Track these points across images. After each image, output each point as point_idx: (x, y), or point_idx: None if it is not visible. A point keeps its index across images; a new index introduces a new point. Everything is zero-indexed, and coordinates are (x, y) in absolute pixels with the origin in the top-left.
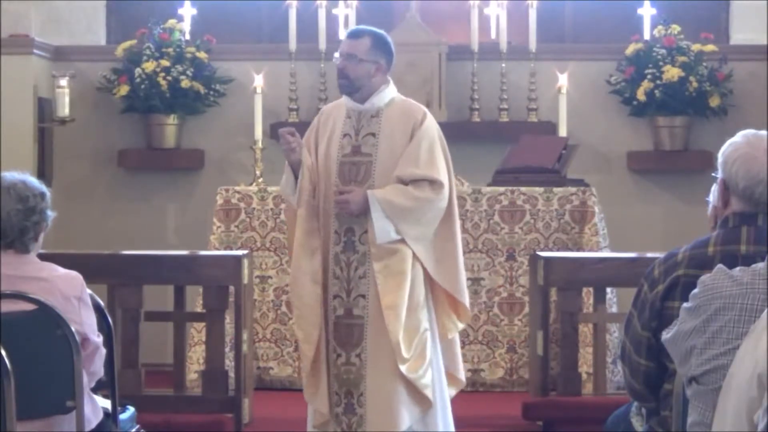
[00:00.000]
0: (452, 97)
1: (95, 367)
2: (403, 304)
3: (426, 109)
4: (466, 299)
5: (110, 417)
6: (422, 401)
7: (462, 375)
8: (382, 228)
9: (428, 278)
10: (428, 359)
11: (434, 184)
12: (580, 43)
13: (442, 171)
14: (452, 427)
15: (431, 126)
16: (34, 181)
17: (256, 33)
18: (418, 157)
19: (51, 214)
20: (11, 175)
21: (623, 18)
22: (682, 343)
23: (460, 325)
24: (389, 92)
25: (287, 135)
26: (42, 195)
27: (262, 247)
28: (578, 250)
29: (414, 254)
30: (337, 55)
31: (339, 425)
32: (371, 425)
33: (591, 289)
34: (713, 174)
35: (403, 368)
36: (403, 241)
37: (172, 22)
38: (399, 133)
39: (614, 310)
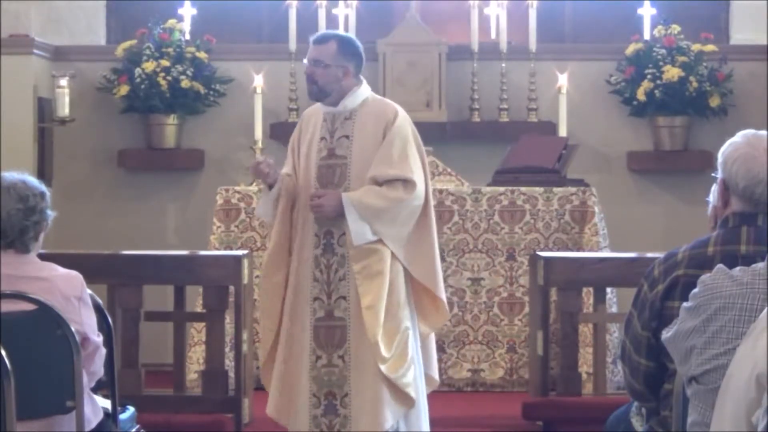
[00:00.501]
0: (452, 97)
1: (95, 367)
2: (382, 304)
3: (399, 108)
4: (443, 295)
5: (110, 417)
6: (405, 400)
7: (436, 374)
8: (357, 230)
9: (409, 277)
10: (410, 358)
11: (407, 183)
12: (580, 43)
13: (415, 170)
14: (427, 427)
15: (403, 124)
16: (34, 180)
17: (256, 33)
18: (391, 157)
19: (51, 213)
20: (11, 175)
21: (623, 18)
22: (682, 343)
23: (439, 323)
24: (362, 93)
25: (258, 168)
26: (42, 195)
27: (262, 247)
28: (578, 250)
29: (393, 254)
30: (305, 60)
31: (317, 427)
32: (357, 425)
33: (591, 289)
34: (713, 174)
35: (383, 368)
36: (380, 241)
37: (172, 22)
38: (372, 133)
39: (614, 310)
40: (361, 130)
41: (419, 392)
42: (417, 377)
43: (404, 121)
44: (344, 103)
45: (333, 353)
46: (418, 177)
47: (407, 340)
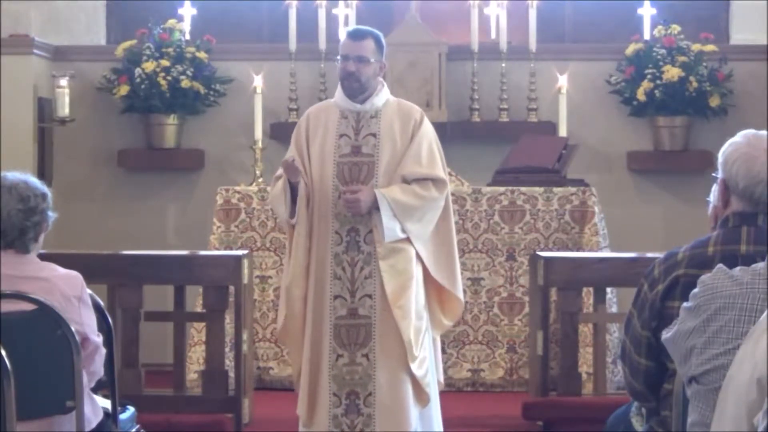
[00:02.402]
0: (452, 97)
1: (95, 366)
2: (412, 303)
3: (421, 110)
4: (461, 295)
5: (110, 417)
6: (422, 398)
7: (441, 377)
8: (390, 226)
9: (423, 279)
10: (429, 358)
11: (437, 182)
12: (580, 43)
13: (443, 170)
14: (441, 427)
15: (429, 126)
16: (36, 181)
17: (256, 33)
18: (421, 157)
19: (52, 215)
20: (13, 175)
21: (623, 18)
22: (682, 343)
23: (447, 323)
24: (385, 93)
25: (294, 164)
26: (43, 196)
27: (262, 247)
28: (578, 250)
29: (416, 254)
30: (338, 57)
31: (337, 427)
32: (382, 425)
33: (591, 289)
34: (713, 174)
35: (413, 366)
36: (406, 240)
37: (172, 22)
38: (399, 133)
39: (614, 310)
40: (387, 129)
41: (433, 392)
42: (431, 377)
43: (428, 123)
44: (372, 101)
45: (356, 352)
46: (446, 177)
47: (427, 339)
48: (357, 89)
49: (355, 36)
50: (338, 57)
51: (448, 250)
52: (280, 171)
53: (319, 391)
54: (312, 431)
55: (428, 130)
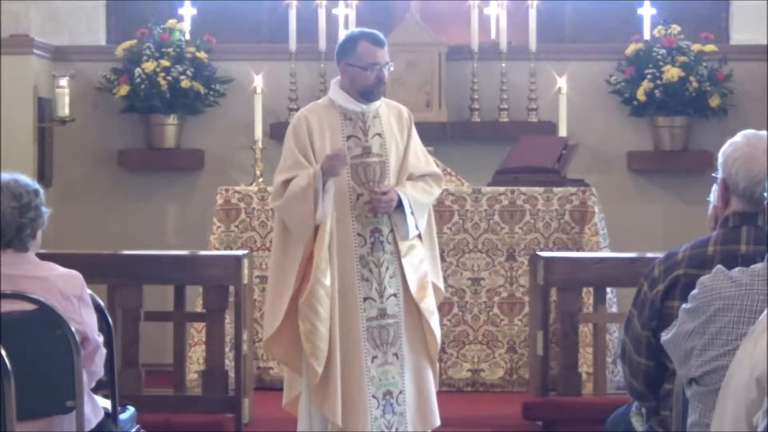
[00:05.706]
0: (452, 97)
1: (95, 366)
2: (432, 296)
3: (406, 107)
4: (443, 284)
5: (110, 417)
6: (436, 383)
7: None
8: (411, 224)
9: None
10: None
11: (436, 177)
12: (580, 43)
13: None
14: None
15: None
16: (26, 179)
17: (256, 33)
18: (418, 154)
19: (46, 211)
20: (2, 175)
21: (623, 18)
22: (682, 345)
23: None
24: None
25: (345, 157)
26: (36, 192)
27: (262, 247)
28: (578, 250)
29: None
30: (365, 63)
31: (378, 428)
32: (414, 422)
33: (591, 289)
34: (713, 174)
35: (435, 355)
36: (417, 236)
37: (172, 22)
38: (398, 131)
39: (614, 310)
40: (389, 128)
41: None
42: None
43: None
44: (375, 102)
45: (388, 351)
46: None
47: None
48: (381, 93)
49: (380, 43)
50: (354, 64)
51: (431, 242)
52: (286, 176)
53: (353, 394)
54: None
55: (414, 128)
